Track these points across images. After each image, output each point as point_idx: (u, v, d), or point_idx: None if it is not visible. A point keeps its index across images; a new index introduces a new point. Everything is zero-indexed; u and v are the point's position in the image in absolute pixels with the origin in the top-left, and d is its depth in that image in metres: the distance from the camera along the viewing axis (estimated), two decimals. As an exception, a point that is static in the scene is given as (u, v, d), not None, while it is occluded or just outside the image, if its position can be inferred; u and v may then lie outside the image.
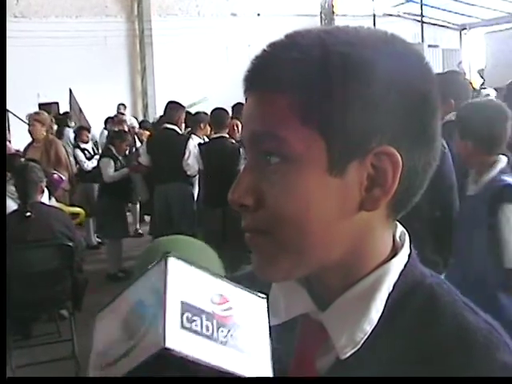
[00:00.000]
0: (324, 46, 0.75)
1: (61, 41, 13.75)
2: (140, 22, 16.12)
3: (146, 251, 0.74)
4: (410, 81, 0.77)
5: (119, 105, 12.62)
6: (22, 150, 7.95)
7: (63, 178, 6.77)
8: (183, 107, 6.90)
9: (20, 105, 11.57)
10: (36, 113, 7.56)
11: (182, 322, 0.56)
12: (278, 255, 0.77)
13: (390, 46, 0.78)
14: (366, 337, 0.77)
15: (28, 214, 4.62)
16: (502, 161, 3.00)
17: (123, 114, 11.29)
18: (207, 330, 0.57)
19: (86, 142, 8.98)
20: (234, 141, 6.20)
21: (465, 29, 19.42)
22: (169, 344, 0.54)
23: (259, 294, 0.66)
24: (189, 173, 6.42)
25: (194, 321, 0.57)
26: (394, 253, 0.82)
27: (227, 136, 6.25)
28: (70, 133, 10.15)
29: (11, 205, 5.30)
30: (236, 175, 0.79)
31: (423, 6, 17.50)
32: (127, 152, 7.93)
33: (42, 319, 5.60)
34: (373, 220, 0.79)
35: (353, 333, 0.77)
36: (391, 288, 0.79)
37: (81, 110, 11.06)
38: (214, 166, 6.03)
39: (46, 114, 7.62)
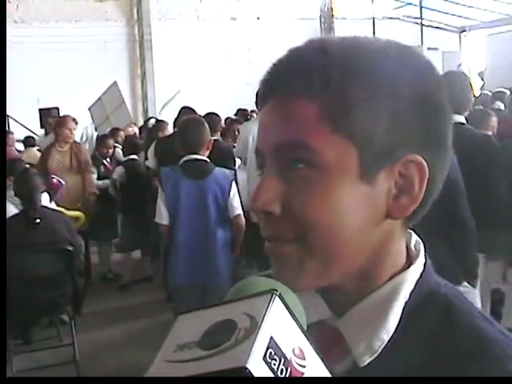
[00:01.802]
0: (352, 53, 0.76)
1: (61, 46, 13.77)
2: (140, 27, 16.12)
3: (241, 286, 0.75)
4: (427, 89, 0.78)
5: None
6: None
7: (62, 182, 6.74)
8: (194, 110, 6.93)
9: (20, 110, 11.59)
10: (68, 116, 7.38)
11: (265, 354, 0.58)
12: (305, 264, 0.77)
13: (408, 55, 0.80)
14: (383, 345, 0.77)
15: (38, 220, 4.65)
16: None
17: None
18: (281, 373, 0.58)
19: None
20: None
21: (464, 31, 19.40)
22: (249, 366, 0.56)
23: (330, 372, 0.66)
24: None
25: (274, 359, 0.58)
26: (410, 262, 0.82)
27: (220, 139, 6.47)
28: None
29: (11, 209, 5.30)
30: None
31: (422, 9, 17.52)
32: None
33: (43, 324, 5.60)
34: (393, 228, 0.79)
35: (370, 341, 0.77)
36: (407, 297, 0.79)
37: (123, 101, 10.59)
38: None
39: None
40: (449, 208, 2.91)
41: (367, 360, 0.77)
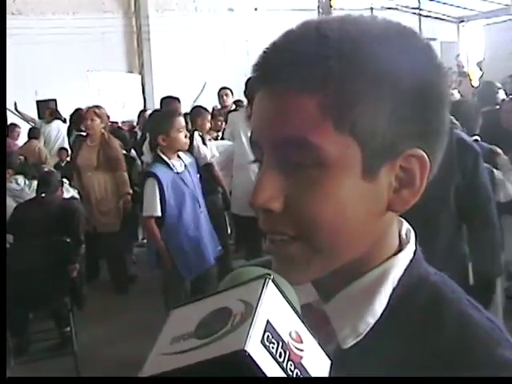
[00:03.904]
0: (352, 40, 0.72)
1: (58, 38, 13.70)
2: (137, 18, 16.06)
3: (233, 276, 0.74)
4: (429, 75, 0.76)
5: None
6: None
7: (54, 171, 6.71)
8: (177, 99, 6.83)
9: (18, 102, 11.54)
10: (96, 106, 6.56)
11: (262, 338, 0.57)
12: (311, 262, 0.76)
13: (407, 36, 0.77)
14: (368, 328, 0.78)
15: (43, 195, 5.06)
16: None
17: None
18: (280, 356, 0.58)
19: None
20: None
21: (462, 21, 19.36)
22: (248, 349, 0.55)
23: (327, 355, 0.66)
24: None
25: (272, 343, 0.58)
26: (400, 249, 0.82)
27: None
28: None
29: (11, 204, 5.32)
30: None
31: (421, -1, 17.48)
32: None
33: (41, 316, 5.60)
34: (391, 217, 0.79)
35: (356, 324, 0.78)
36: (396, 283, 0.79)
37: None
38: None
39: (104, 108, 6.72)
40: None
41: (350, 342, 0.78)
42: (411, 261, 0.81)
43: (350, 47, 0.71)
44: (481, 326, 0.75)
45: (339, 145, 0.72)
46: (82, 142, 6.56)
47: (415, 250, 0.83)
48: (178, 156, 4.45)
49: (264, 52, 0.76)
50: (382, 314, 0.78)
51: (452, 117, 3.23)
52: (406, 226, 0.86)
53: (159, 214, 4.29)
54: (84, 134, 7.22)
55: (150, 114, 4.83)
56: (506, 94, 8.08)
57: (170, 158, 4.37)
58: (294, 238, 0.75)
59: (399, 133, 0.73)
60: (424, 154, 0.75)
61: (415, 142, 0.74)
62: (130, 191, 6.42)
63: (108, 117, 6.92)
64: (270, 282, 0.62)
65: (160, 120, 4.47)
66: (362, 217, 0.75)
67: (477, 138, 3.85)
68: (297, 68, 0.71)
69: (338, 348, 0.79)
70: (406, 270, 0.80)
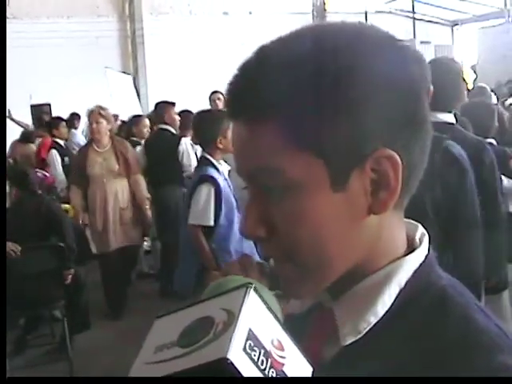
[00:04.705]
0: (302, 58, 0.73)
1: (52, 41, 13.69)
2: (132, 22, 16.07)
3: (215, 285, 0.76)
4: (400, 79, 0.76)
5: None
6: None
7: (47, 175, 6.66)
8: (170, 103, 6.81)
9: (12, 106, 11.52)
10: (101, 107, 5.94)
11: (244, 346, 0.59)
12: (302, 278, 0.79)
13: (375, 45, 0.76)
14: (369, 327, 0.78)
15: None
16: None
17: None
18: (262, 364, 0.59)
19: None
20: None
21: (457, 24, 19.42)
22: (230, 356, 0.56)
23: (309, 362, 0.67)
24: (185, 174, 6.27)
25: (254, 351, 0.59)
26: (408, 252, 0.83)
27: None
28: (76, 136, 10.16)
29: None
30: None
31: (415, 3, 17.55)
32: None
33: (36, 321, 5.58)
34: (381, 219, 0.79)
35: (357, 322, 0.79)
36: (403, 285, 0.80)
37: None
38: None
39: (109, 109, 6.12)
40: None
41: (350, 340, 0.79)
42: (421, 264, 0.82)
43: (290, 72, 0.73)
44: (485, 331, 0.74)
45: (302, 164, 0.73)
46: (86, 148, 5.98)
47: (427, 255, 0.83)
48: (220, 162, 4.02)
49: (226, 89, 0.79)
50: (386, 314, 0.79)
51: (456, 118, 3.13)
52: (420, 230, 0.86)
53: (212, 223, 3.83)
54: (60, 141, 7.13)
55: (196, 116, 4.38)
56: (498, 98, 8.09)
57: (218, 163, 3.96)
58: (285, 260, 0.78)
59: (362, 139, 0.73)
60: (392, 152, 0.74)
61: (382, 143, 0.74)
62: (149, 195, 5.99)
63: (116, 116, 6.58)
64: (252, 291, 0.64)
65: (215, 120, 3.93)
66: (342, 227, 0.76)
67: (491, 141, 3.69)
68: (250, 99, 0.74)
69: (342, 347, 0.80)
70: (415, 273, 0.81)
